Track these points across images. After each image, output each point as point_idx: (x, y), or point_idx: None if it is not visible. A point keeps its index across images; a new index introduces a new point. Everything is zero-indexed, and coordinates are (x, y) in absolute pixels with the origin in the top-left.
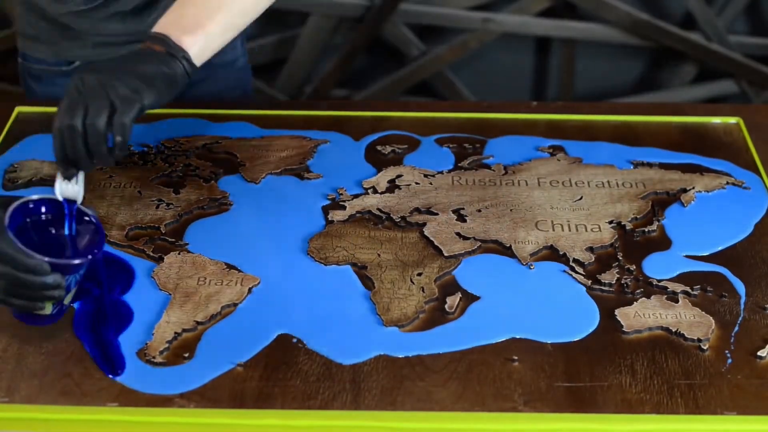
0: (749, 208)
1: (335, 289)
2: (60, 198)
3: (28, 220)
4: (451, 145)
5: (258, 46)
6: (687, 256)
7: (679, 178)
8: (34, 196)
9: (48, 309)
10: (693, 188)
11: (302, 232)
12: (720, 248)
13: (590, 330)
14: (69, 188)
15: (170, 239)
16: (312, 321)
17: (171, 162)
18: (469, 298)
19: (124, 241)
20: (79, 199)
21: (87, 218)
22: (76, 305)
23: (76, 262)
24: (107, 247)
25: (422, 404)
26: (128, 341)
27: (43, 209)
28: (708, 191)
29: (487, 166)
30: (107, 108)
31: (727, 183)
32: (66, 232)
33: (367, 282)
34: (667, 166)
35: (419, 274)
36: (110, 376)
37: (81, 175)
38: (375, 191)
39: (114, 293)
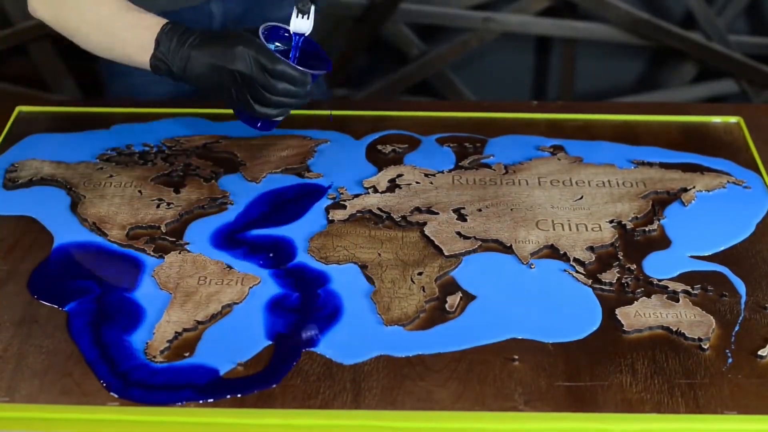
0: (750, 208)
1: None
2: (292, 29)
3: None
4: (451, 145)
5: None
6: (688, 256)
7: (679, 178)
8: (269, 24)
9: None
10: (693, 188)
11: (302, 232)
12: (721, 248)
13: (592, 330)
14: (299, 22)
15: (170, 239)
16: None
17: (171, 161)
18: (470, 298)
19: (125, 241)
20: (307, 32)
21: (311, 47)
22: (73, 306)
23: (320, 72)
24: (109, 246)
25: (422, 404)
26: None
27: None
28: (708, 191)
29: (488, 166)
30: None
31: (728, 182)
32: (291, 60)
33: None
34: (667, 166)
35: (420, 274)
36: (109, 380)
37: (312, 11)
38: (375, 191)
39: (116, 291)
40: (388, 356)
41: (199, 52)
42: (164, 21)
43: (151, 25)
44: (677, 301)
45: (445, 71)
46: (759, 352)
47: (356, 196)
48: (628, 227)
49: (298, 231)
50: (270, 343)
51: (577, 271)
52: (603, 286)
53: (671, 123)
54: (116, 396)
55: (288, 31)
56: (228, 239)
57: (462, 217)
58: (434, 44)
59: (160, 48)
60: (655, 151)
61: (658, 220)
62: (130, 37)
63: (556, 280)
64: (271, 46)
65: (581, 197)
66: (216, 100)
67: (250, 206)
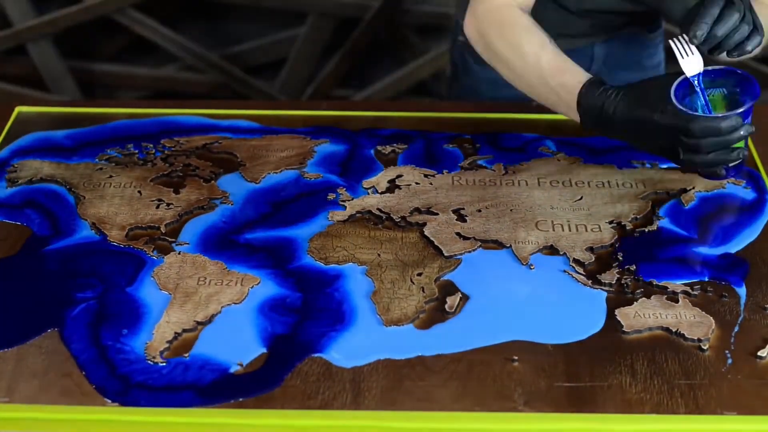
0: (750, 210)
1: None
2: (687, 74)
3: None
4: (451, 145)
5: (258, 46)
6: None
7: (679, 178)
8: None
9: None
10: (693, 188)
11: (302, 232)
12: (725, 251)
13: (594, 331)
14: (689, 62)
15: (170, 239)
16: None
17: (171, 162)
18: (469, 298)
19: (124, 241)
20: (700, 69)
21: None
22: (75, 311)
23: (744, 107)
24: (110, 245)
25: (422, 404)
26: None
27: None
28: (708, 191)
29: (487, 166)
30: None
31: (727, 183)
32: (703, 103)
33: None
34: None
35: (419, 274)
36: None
37: (694, 45)
38: (375, 191)
39: (116, 292)
40: (387, 357)
41: (618, 121)
42: (584, 79)
43: (573, 87)
44: (677, 301)
45: (445, 71)
46: (758, 353)
47: (356, 196)
48: (627, 228)
49: (297, 231)
50: (270, 344)
51: (576, 272)
52: (603, 287)
53: None
54: (116, 401)
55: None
56: (227, 240)
57: (462, 218)
58: (434, 44)
59: (582, 106)
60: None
61: (657, 220)
62: (555, 100)
63: (556, 280)
64: (687, 101)
65: (581, 198)
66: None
67: (250, 207)
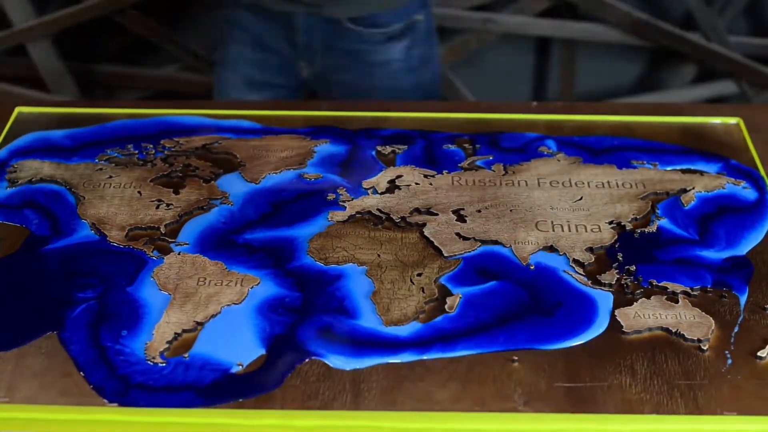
0: (751, 211)
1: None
2: None
3: None
4: (451, 146)
5: None
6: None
7: (679, 179)
8: None
9: None
10: (693, 188)
11: (302, 233)
12: (728, 254)
13: (596, 334)
14: None
15: (170, 239)
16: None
17: (171, 162)
18: (469, 298)
19: (124, 242)
20: None
21: None
22: (75, 312)
23: None
24: (110, 245)
25: (422, 404)
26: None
27: None
28: (708, 191)
29: (487, 167)
30: None
31: (727, 183)
32: None
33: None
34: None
35: (419, 275)
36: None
37: None
38: (375, 191)
39: (115, 292)
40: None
41: None
42: None
43: None
44: (677, 302)
45: (445, 72)
46: (758, 353)
47: (355, 197)
48: (627, 228)
49: (297, 232)
50: (270, 344)
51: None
52: (603, 287)
53: (671, 124)
54: (115, 401)
55: None
56: (227, 240)
57: (461, 218)
58: None
59: None
60: (655, 145)
61: (657, 220)
62: None
63: (557, 281)
64: None
65: (581, 198)
66: None
67: (250, 207)
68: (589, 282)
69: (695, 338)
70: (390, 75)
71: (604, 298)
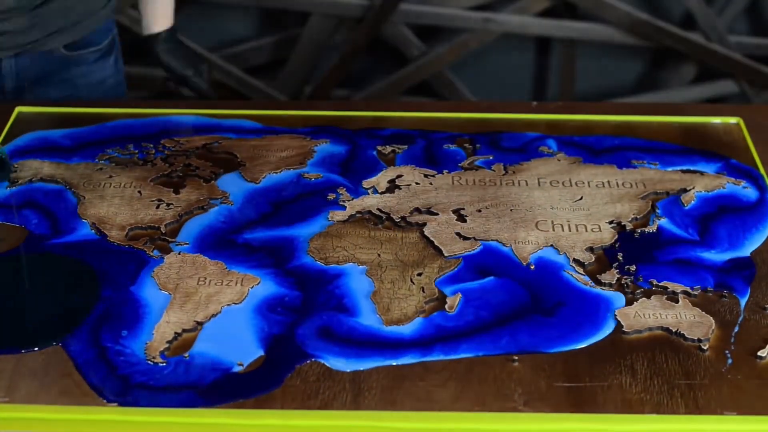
0: (751, 211)
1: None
2: None
3: None
4: (451, 145)
5: (258, 46)
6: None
7: (679, 178)
8: None
9: None
10: (693, 188)
11: (302, 232)
12: (730, 255)
13: (601, 337)
14: None
15: (170, 239)
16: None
17: (171, 162)
18: (468, 294)
19: (124, 242)
20: None
21: None
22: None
23: None
24: (111, 245)
25: (422, 404)
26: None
27: None
28: (708, 191)
29: (487, 166)
30: None
31: (727, 183)
32: None
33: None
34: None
35: (419, 274)
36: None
37: None
38: (375, 191)
39: (115, 292)
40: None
41: None
42: None
43: None
44: (677, 301)
45: (445, 71)
46: (758, 353)
47: (356, 197)
48: (627, 228)
49: (297, 231)
50: (270, 344)
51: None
52: (603, 287)
53: (671, 124)
54: (116, 401)
55: None
56: (227, 240)
57: (462, 218)
58: (434, 45)
59: None
60: (656, 145)
61: (657, 220)
62: None
63: (557, 280)
64: None
65: (581, 198)
66: None
67: (250, 207)
68: (590, 282)
69: (695, 338)
70: (108, 92)
71: (614, 300)
